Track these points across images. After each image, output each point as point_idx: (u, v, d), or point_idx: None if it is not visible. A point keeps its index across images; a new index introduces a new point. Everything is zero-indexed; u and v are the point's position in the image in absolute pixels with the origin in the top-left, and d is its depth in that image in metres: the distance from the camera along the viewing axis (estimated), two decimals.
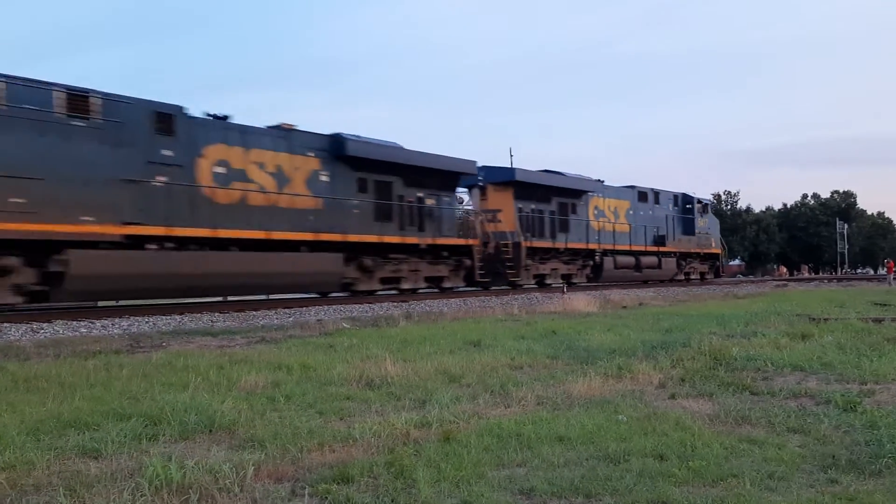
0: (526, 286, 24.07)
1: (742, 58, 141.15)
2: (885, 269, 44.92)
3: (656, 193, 31.54)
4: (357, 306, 16.30)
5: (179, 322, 12.73)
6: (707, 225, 34.75)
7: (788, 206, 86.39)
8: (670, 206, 32.27)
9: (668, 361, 7.38)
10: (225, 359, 7.74)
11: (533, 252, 23.93)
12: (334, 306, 16.06)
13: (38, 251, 12.39)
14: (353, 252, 17.73)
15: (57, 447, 4.22)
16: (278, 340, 9.81)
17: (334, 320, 12.92)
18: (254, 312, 14.45)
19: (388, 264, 18.91)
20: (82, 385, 6.15)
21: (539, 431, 4.57)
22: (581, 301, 16.30)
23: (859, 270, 73.23)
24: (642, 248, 29.47)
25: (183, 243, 14.37)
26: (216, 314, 14.05)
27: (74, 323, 12.04)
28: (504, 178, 23.81)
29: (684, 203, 33.13)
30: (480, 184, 23.65)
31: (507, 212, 23.45)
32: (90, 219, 12.92)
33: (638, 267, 29.23)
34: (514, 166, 24.49)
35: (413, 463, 3.90)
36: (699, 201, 34.23)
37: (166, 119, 14.29)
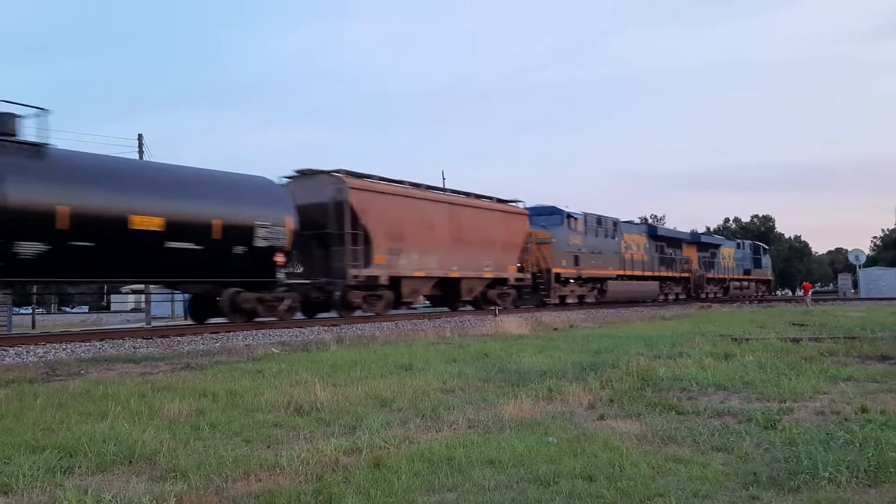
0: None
1: (665, 85, 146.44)
2: (802, 291, 46.92)
3: (744, 242, 50.21)
4: (287, 331, 16.00)
5: (99, 349, 12.25)
6: (766, 262, 53.18)
7: (711, 229, 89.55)
8: (751, 253, 49.38)
9: (598, 382, 7.49)
10: (147, 386, 7.47)
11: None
12: (263, 331, 15.73)
13: (600, 280, 30.23)
14: (660, 281, 35.96)
15: None
16: (204, 367, 9.54)
17: (263, 345, 12.66)
18: (179, 338, 14.02)
19: (667, 286, 37.26)
20: None
21: (470, 455, 4.55)
22: (513, 323, 16.44)
23: (778, 292, 76.26)
24: (735, 276, 45.73)
25: (625, 278, 32.07)
26: (139, 340, 13.57)
27: None
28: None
29: (755, 249, 50.86)
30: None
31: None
32: (614, 270, 31.35)
33: (726, 289, 44.21)
34: (567, 211, 29.12)
35: (342, 490, 3.83)
36: (764, 249, 54.09)
37: (615, 224, 32.12)
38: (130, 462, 4.49)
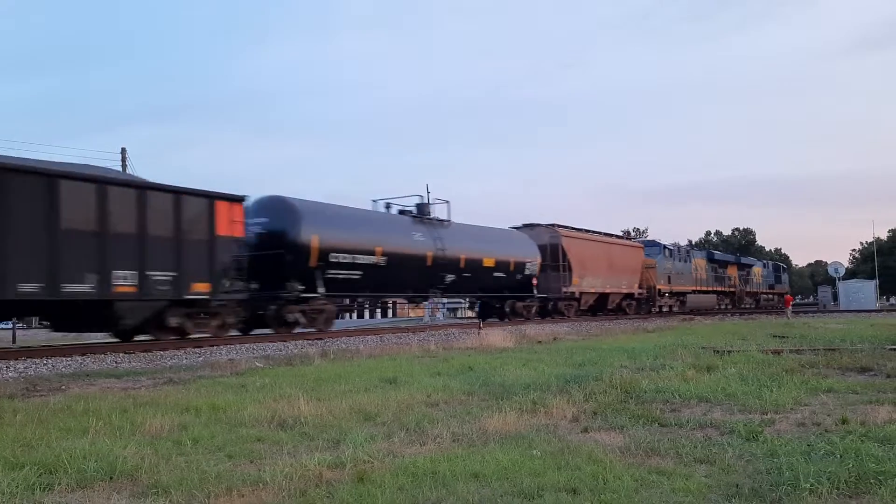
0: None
1: (646, 102, 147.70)
2: (783, 303, 47.41)
3: (769, 263, 61.15)
4: (271, 344, 15.92)
5: (81, 364, 12.12)
6: (785, 278, 62.48)
7: (693, 242, 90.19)
8: (772, 271, 59.03)
9: (581, 395, 7.51)
10: (129, 401, 7.41)
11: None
12: (247, 345, 15.64)
13: (682, 294, 40.23)
14: (718, 295, 44.34)
15: None
16: (187, 381, 9.47)
17: (247, 359, 12.59)
18: (161, 353, 13.91)
19: (720, 298, 46.09)
20: None
21: (454, 469, 4.55)
22: (497, 336, 16.45)
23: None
24: (763, 290, 55.88)
25: (696, 292, 41.16)
26: (121, 354, 13.45)
27: None
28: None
29: (776, 268, 61.28)
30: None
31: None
32: (690, 286, 40.94)
33: (758, 300, 54.37)
34: (663, 244, 40.40)
35: None
36: (784, 268, 64.78)
37: (688, 251, 43.13)
38: (111, 478, 4.45)
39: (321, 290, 19.01)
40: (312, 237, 18.74)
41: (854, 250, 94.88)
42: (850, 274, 70.86)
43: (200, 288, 15.81)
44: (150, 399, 7.59)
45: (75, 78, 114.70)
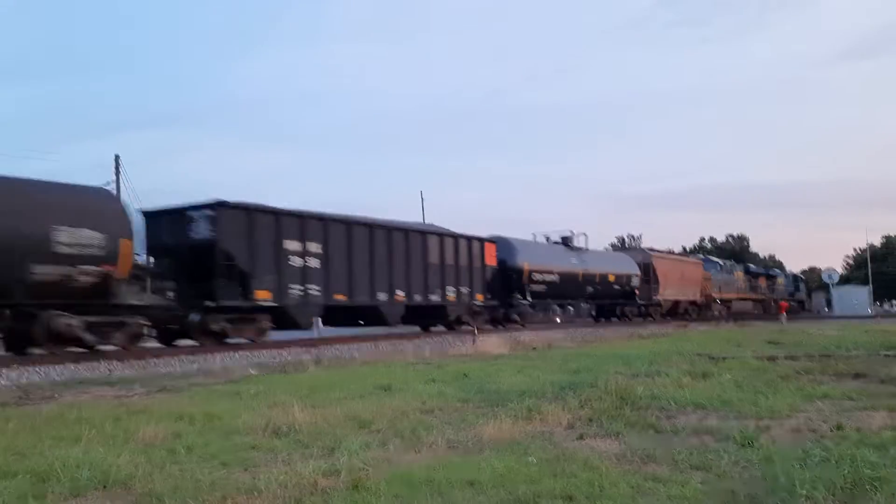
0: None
1: (639, 108, 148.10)
2: (778, 310, 47.62)
3: (789, 274, 68.29)
4: (265, 352, 15.89)
5: (74, 371, 12.07)
6: (801, 287, 67.77)
7: (687, 248, 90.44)
8: (792, 281, 64.77)
9: (577, 402, 7.50)
10: (122, 409, 7.37)
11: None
12: (241, 352, 15.60)
13: (728, 301, 48.77)
14: (753, 301, 51.93)
15: None
16: (181, 389, 9.43)
17: (241, 367, 12.56)
18: (155, 360, 13.85)
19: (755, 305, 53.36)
20: None
21: (450, 476, 4.53)
22: (492, 343, 16.46)
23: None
24: (785, 298, 59.01)
25: (738, 300, 50.30)
26: (114, 362, 13.37)
27: None
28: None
29: (795, 279, 66.75)
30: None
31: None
32: (734, 294, 49.60)
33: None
34: (715, 260, 51.29)
35: None
36: (801, 279, 70.29)
37: (731, 265, 52.27)
38: (105, 487, 4.42)
39: (528, 298, 28.27)
40: (524, 263, 28.25)
41: (848, 256, 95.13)
42: (845, 280, 71.17)
43: (480, 298, 25.43)
44: (143, 407, 7.56)
45: (65, 85, 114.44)
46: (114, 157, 34.87)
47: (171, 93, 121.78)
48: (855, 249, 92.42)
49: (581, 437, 5.90)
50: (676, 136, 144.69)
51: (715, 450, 5.28)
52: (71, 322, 13.80)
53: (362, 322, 22.26)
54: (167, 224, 17.03)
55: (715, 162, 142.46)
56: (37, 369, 12.02)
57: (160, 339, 16.89)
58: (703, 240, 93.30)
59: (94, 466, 4.72)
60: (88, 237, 14.11)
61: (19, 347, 14.24)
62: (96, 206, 14.89)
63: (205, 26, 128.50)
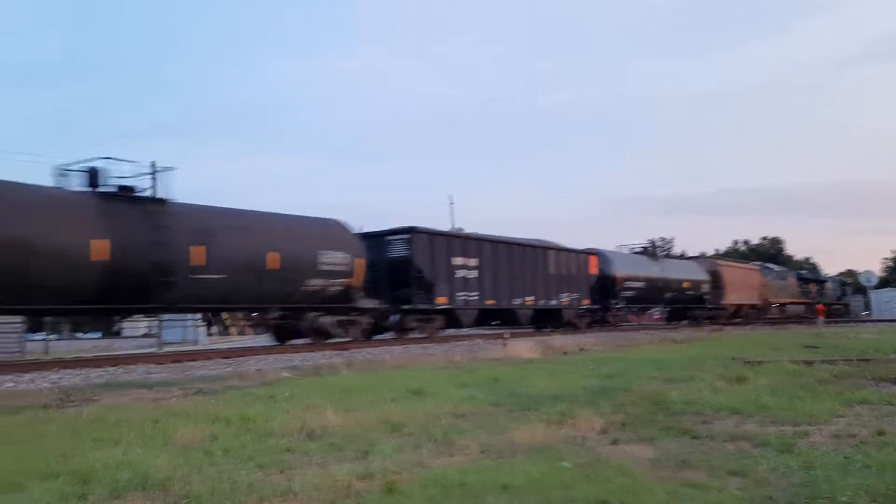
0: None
1: (671, 111, 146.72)
2: (815, 313, 46.85)
3: (835, 279, 70.08)
4: (297, 355, 16.02)
5: (113, 374, 12.28)
6: (848, 292, 69.01)
7: (721, 251, 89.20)
8: (839, 286, 66.80)
9: (610, 407, 7.45)
10: (160, 412, 7.48)
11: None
12: (274, 356, 15.75)
13: (783, 304, 50.81)
14: (804, 305, 51.55)
15: None
16: (216, 392, 9.54)
17: (274, 369, 12.66)
18: (191, 363, 14.04)
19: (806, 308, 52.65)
20: (6, 442, 5.85)
21: (483, 480, 4.53)
22: (522, 347, 16.37)
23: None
24: (832, 301, 60.89)
25: (792, 304, 51.26)
26: (152, 365, 13.60)
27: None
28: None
29: (842, 284, 68.91)
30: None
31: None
32: (787, 299, 51.08)
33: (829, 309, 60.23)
34: (770, 266, 53.26)
35: None
36: (846, 283, 71.21)
37: (784, 271, 54.43)
38: (144, 489, 4.49)
39: (622, 303, 33.55)
40: (619, 272, 32.94)
41: (886, 259, 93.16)
42: (883, 283, 69.64)
43: (586, 303, 30.53)
44: (180, 409, 7.66)
45: (69, 93, 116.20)
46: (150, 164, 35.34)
47: (176, 99, 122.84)
48: (893, 251, 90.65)
49: (615, 443, 5.86)
50: (708, 139, 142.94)
51: (753, 456, 5.21)
52: (326, 320, 19.12)
53: (499, 322, 27.00)
54: (371, 245, 21.31)
55: (748, 166, 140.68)
56: (77, 372, 12.26)
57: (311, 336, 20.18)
58: (736, 242, 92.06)
59: (134, 468, 4.80)
60: (339, 258, 19.36)
61: (282, 339, 19.82)
62: (341, 234, 20.30)
63: (214, 33, 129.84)
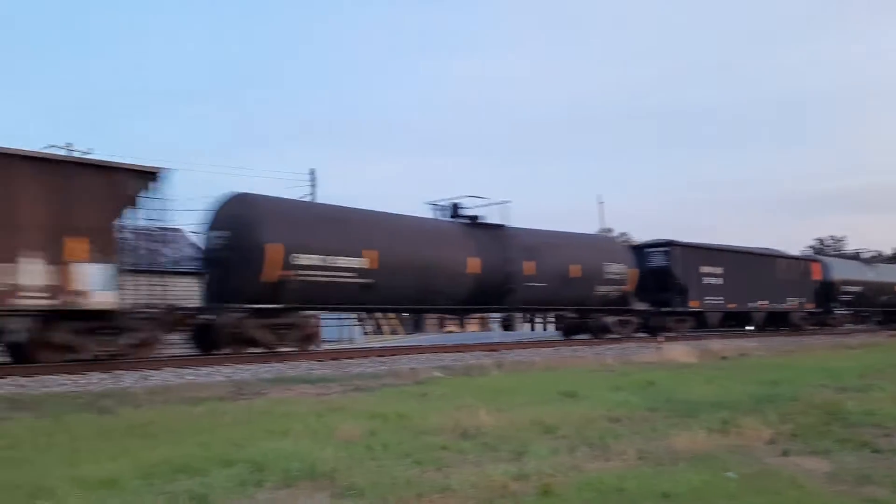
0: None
1: (834, 102, 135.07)
2: None
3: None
4: (448, 355, 16.33)
5: (279, 370, 13.07)
6: None
7: None
8: None
9: (777, 416, 7.02)
10: (322, 406, 7.88)
11: None
12: (426, 355, 16.16)
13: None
14: None
15: (168, 491, 4.36)
16: (373, 389, 9.92)
17: (426, 368, 12.98)
18: (349, 361, 14.69)
19: None
20: (190, 431, 6.38)
21: (642, 487, 4.41)
22: (678, 351, 15.78)
23: None
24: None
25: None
26: (314, 362, 14.36)
27: (181, 370, 12.56)
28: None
29: None
30: None
31: None
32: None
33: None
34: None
35: None
36: None
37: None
38: (312, 478, 4.74)
39: (841, 307, 36.05)
40: (837, 277, 35.53)
41: None
42: None
43: (810, 307, 33.35)
44: (341, 405, 8.02)
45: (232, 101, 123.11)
46: (309, 171, 37.41)
47: (334, 101, 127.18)
48: None
49: (785, 454, 5.52)
50: (874, 130, 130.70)
51: None
52: (608, 319, 23.23)
53: (734, 323, 29.70)
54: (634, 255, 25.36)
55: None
56: (247, 367, 13.16)
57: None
58: None
59: (302, 458, 5.07)
60: (619, 269, 23.71)
61: (568, 334, 24.13)
62: (617, 248, 25.95)
63: (347, 40, 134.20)
